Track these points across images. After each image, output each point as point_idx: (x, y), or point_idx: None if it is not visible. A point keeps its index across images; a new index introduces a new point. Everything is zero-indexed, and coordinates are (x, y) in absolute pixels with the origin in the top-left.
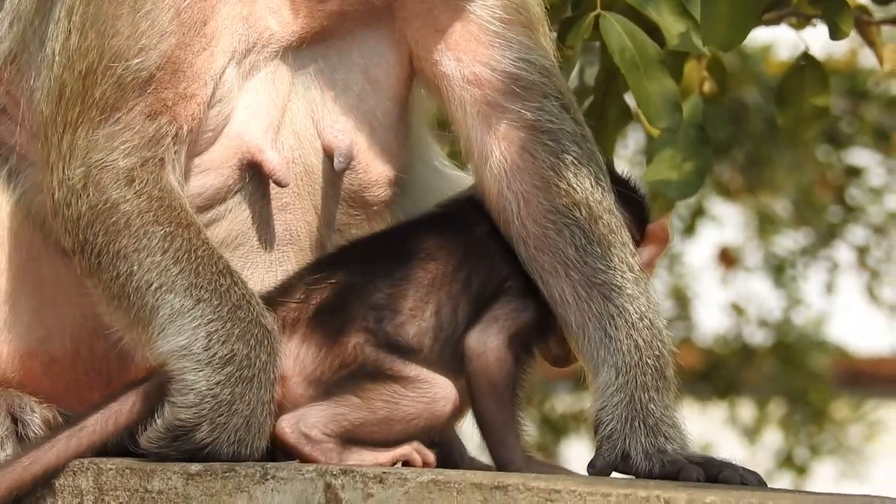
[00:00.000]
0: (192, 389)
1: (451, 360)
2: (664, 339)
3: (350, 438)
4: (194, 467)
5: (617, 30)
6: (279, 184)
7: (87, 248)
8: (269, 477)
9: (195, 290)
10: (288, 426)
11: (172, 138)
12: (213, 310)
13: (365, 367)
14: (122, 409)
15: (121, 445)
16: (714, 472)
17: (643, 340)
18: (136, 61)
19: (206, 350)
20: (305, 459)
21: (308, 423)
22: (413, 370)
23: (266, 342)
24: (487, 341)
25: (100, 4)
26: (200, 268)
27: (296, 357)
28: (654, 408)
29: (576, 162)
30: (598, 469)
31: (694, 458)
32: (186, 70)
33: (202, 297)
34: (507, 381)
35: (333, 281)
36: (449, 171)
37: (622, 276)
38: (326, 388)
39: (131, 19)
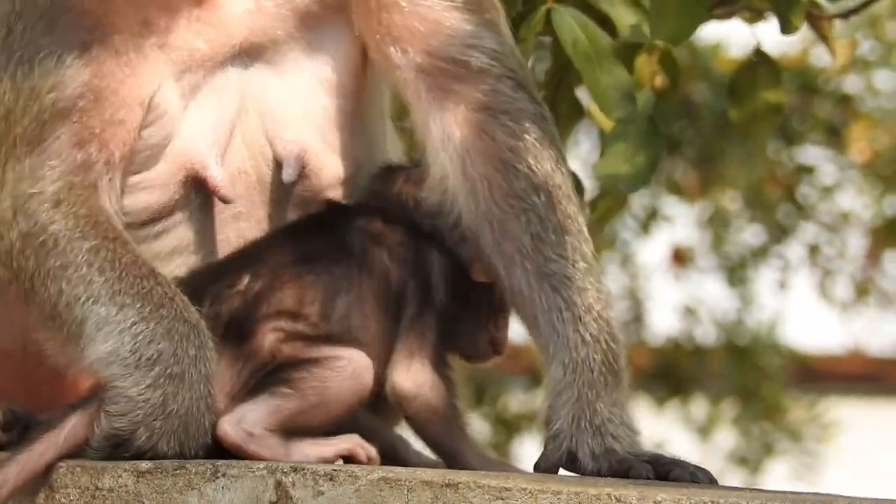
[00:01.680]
0: (124, 396)
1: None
2: (613, 331)
3: (292, 430)
4: (144, 465)
5: (569, 22)
6: (224, 200)
7: (21, 273)
8: (219, 474)
9: (119, 297)
10: (230, 427)
11: (105, 164)
12: (135, 312)
13: (286, 362)
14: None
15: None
16: (664, 470)
17: (590, 335)
18: (50, 96)
19: (132, 353)
20: (251, 457)
21: (249, 421)
22: (326, 350)
23: (192, 336)
24: (417, 379)
25: (12, 52)
26: (124, 273)
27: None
28: (601, 406)
29: (536, 144)
30: (542, 469)
31: (643, 457)
32: (111, 97)
33: (125, 303)
34: (446, 403)
35: (240, 288)
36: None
37: (573, 267)
38: (250, 397)
39: (41, 60)
